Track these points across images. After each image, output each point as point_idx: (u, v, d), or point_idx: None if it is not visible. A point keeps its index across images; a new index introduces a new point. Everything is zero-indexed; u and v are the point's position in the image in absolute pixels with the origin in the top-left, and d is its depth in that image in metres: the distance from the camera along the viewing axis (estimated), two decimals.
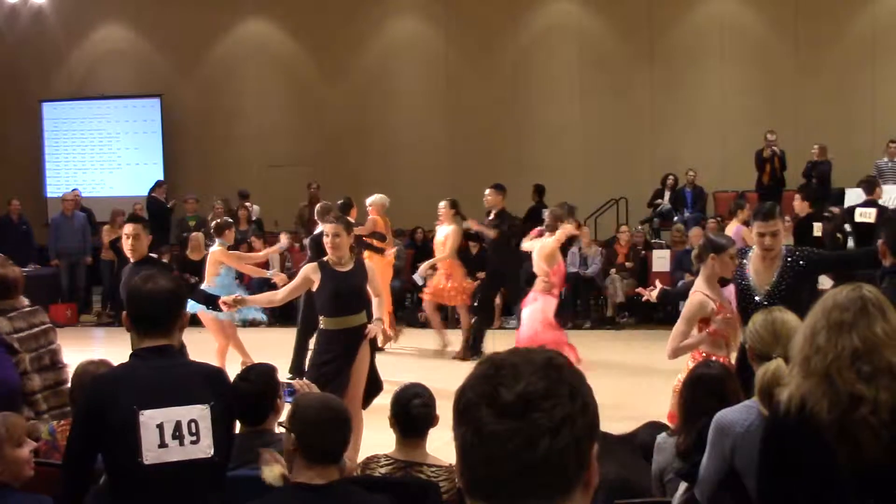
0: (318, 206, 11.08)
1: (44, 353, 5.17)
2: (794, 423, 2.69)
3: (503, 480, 1.39)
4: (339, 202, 11.67)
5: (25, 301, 5.37)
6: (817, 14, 17.09)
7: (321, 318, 6.81)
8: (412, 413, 4.10)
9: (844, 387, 2.63)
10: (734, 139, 17.07)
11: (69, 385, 5.20)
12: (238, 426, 3.78)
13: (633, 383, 9.53)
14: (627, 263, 14.55)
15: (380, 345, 9.81)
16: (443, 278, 11.82)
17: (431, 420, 4.16)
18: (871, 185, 11.65)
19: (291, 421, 3.34)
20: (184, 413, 3.25)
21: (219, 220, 10.70)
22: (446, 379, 8.15)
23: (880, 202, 12.02)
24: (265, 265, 11.66)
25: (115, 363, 3.79)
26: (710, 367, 4.06)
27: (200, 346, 7.99)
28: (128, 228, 6.90)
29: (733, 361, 5.23)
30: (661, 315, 14.43)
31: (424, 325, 14.33)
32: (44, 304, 12.19)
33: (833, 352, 2.67)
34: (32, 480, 3.70)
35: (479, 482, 1.41)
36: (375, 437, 6.02)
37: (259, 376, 4.15)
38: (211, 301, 7.36)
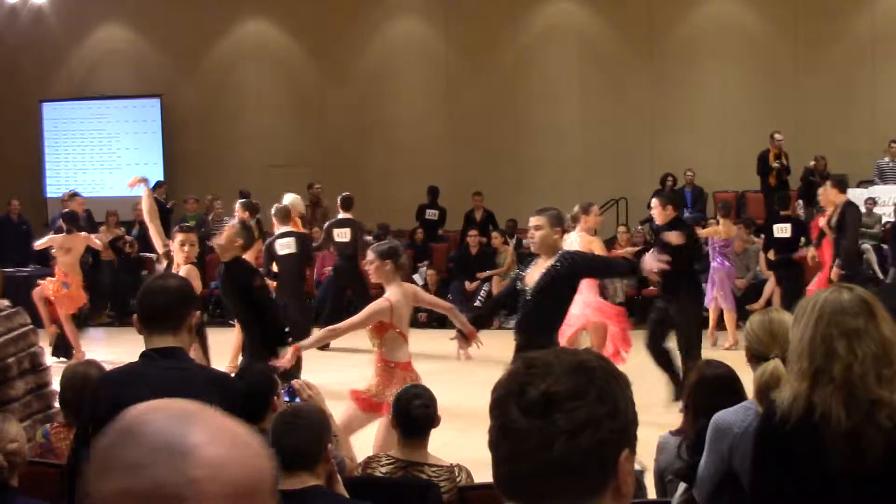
0: (276, 208, 11.10)
1: (24, 357, 5.05)
2: (793, 426, 2.69)
3: (523, 479, 1.38)
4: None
5: (5, 302, 5.22)
6: (817, 14, 17.09)
7: None
8: (412, 414, 4.11)
9: (866, 393, 2.62)
10: (734, 139, 17.06)
11: (52, 387, 5.15)
12: None
13: (632, 383, 9.49)
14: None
15: None
16: None
17: (432, 420, 4.17)
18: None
19: (271, 431, 3.43)
20: None
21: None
22: (447, 380, 8.16)
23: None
24: None
25: (109, 364, 3.79)
26: (716, 368, 4.07)
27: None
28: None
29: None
30: None
31: (424, 325, 14.35)
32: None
33: (856, 360, 2.64)
34: (28, 482, 3.69)
35: (503, 479, 1.41)
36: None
37: (257, 375, 4.16)
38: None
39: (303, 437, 3.36)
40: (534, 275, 6.04)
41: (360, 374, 9.75)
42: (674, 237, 8.42)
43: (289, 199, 11.62)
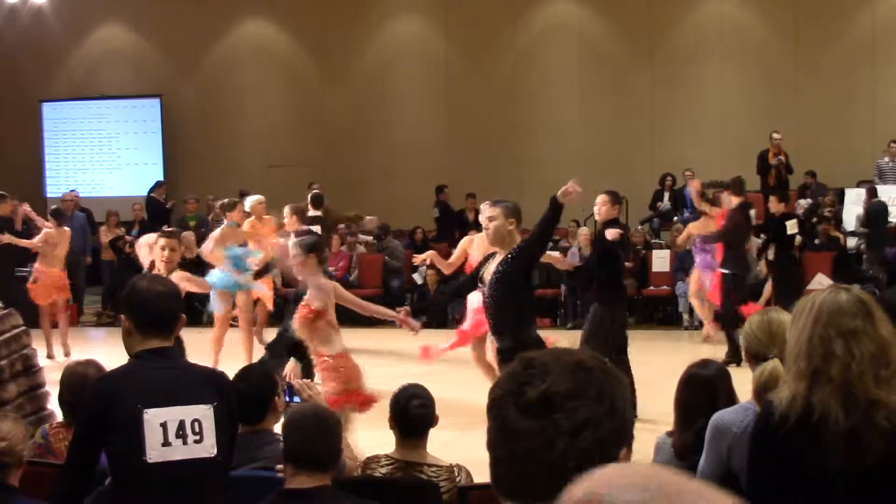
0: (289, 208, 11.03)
1: (16, 359, 4.98)
2: (792, 427, 2.69)
3: (523, 478, 1.39)
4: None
5: None
6: (817, 14, 17.09)
7: None
8: (410, 413, 4.11)
9: (864, 394, 2.62)
10: (734, 139, 17.07)
11: (46, 388, 5.11)
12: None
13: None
14: (627, 263, 14.53)
15: None
16: None
17: (430, 420, 4.17)
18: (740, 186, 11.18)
19: (283, 430, 3.43)
20: (187, 412, 3.27)
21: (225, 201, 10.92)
22: (446, 380, 8.15)
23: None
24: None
25: (113, 363, 3.78)
26: (705, 368, 4.09)
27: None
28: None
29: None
30: (660, 315, 14.46)
31: (424, 325, 14.33)
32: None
33: (853, 360, 2.65)
34: (28, 482, 3.68)
35: (502, 479, 1.42)
36: (376, 437, 6.04)
37: (258, 376, 4.16)
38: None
39: (329, 438, 3.40)
40: (490, 269, 6.00)
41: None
42: (610, 233, 8.38)
43: (250, 200, 11.66)
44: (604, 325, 8.42)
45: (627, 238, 9.17)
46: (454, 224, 17.02)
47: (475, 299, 8.45)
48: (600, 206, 8.62)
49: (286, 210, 10.94)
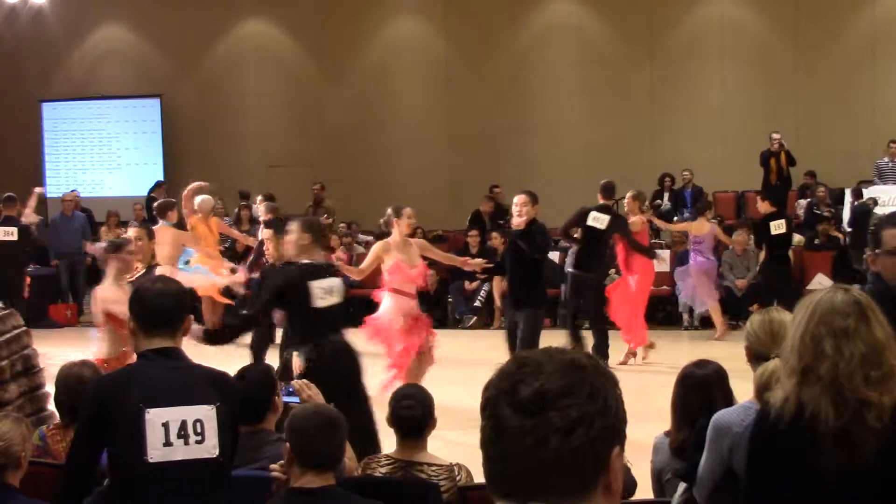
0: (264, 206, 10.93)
1: (17, 360, 4.97)
2: (787, 426, 2.69)
3: (516, 477, 1.40)
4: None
5: None
6: (817, 14, 17.09)
7: None
8: (397, 415, 4.11)
9: (853, 394, 2.63)
10: (734, 139, 17.07)
11: (46, 389, 5.09)
12: None
13: (632, 382, 9.46)
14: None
15: None
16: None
17: (419, 421, 4.13)
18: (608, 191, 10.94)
19: (287, 430, 3.41)
20: (189, 413, 3.27)
21: (161, 201, 10.89)
22: (446, 380, 8.14)
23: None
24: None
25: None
26: (701, 367, 4.10)
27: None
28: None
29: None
30: (660, 315, 14.44)
31: None
32: (44, 305, 12.26)
33: (842, 360, 2.65)
34: (28, 482, 3.68)
35: (496, 477, 1.42)
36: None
37: (257, 376, 4.15)
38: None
39: (335, 436, 3.41)
40: None
41: None
42: (515, 223, 8.45)
43: (198, 199, 11.68)
44: (538, 327, 8.48)
45: (546, 244, 9.11)
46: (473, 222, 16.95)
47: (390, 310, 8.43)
48: (521, 207, 8.59)
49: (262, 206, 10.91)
